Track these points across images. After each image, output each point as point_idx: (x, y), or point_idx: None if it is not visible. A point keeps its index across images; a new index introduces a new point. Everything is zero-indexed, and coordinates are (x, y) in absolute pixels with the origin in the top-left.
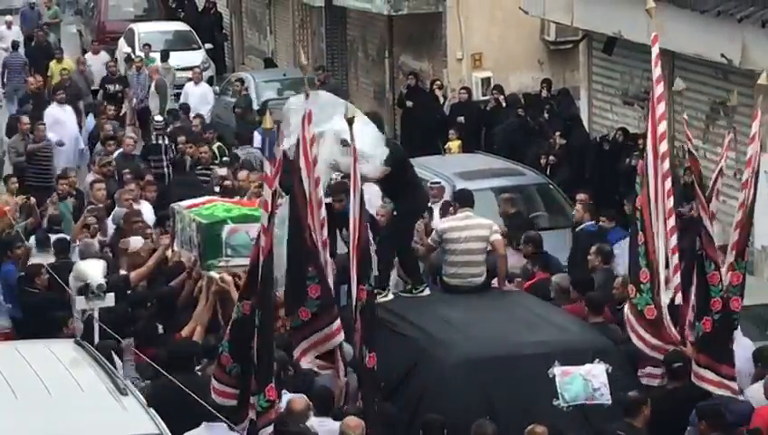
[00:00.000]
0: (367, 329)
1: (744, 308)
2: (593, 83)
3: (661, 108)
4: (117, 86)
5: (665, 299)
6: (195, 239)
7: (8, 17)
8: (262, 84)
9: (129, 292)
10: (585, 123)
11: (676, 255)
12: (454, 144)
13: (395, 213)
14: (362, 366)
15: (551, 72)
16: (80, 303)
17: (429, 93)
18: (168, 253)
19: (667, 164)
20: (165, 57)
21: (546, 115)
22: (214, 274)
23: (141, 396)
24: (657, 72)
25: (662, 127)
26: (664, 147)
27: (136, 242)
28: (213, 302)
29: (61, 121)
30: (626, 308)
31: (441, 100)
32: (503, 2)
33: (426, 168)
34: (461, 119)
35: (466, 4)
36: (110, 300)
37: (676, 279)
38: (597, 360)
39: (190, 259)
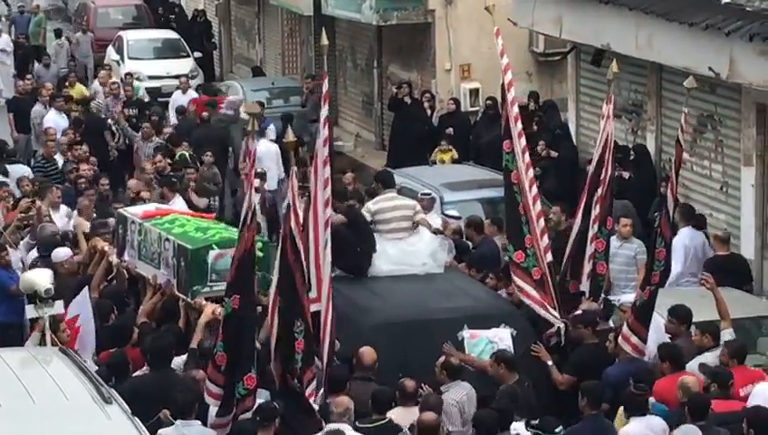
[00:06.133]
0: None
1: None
2: (581, 95)
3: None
4: (132, 110)
5: (547, 261)
6: (171, 260)
7: None
8: (250, 93)
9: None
10: (573, 135)
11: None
12: (446, 156)
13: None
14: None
15: (539, 83)
16: (29, 311)
17: (418, 104)
18: (113, 260)
19: (523, 140)
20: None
21: (535, 127)
22: (209, 306)
23: (125, 404)
24: (507, 77)
25: (515, 110)
26: (519, 126)
27: (63, 253)
28: (202, 334)
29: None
30: (512, 273)
31: (429, 111)
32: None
33: (414, 178)
34: (450, 130)
35: (455, 15)
36: (59, 307)
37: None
38: (503, 324)
39: (155, 276)
